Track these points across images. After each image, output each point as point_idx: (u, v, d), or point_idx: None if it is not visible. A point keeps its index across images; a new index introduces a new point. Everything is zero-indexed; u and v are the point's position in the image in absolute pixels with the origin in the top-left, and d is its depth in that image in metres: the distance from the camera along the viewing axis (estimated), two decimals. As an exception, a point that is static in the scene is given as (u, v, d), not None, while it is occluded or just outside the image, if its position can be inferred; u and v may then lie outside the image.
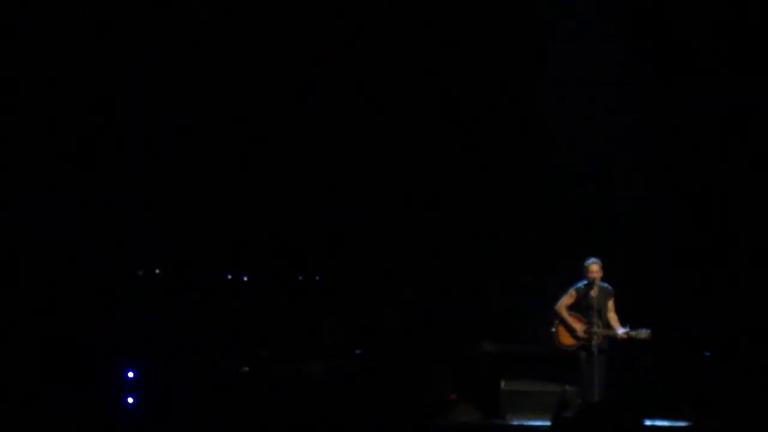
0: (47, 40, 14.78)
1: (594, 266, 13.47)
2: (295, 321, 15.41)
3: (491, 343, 14.88)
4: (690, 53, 15.23)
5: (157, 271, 15.55)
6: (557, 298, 13.66)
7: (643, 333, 13.28)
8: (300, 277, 15.96)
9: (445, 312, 15.43)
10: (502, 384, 14.39)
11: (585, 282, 13.54)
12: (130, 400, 13.77)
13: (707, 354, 14.95)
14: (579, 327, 13.47)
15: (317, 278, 16.00)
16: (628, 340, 13.35)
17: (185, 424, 12.28)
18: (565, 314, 13.55)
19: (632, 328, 13.32)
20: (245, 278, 15.85)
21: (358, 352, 15.18)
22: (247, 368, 14.29)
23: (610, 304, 13.56)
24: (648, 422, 11.09)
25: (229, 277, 15.83)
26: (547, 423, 12.22)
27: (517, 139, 15.72)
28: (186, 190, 15.40)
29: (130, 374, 13.95)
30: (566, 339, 13.57)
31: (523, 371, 14.56)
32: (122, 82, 15.04)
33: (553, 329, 13.64)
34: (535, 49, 15.50)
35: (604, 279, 13.52)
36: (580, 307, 13.54)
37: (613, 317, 13.52)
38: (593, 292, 13.45)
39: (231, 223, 15.50)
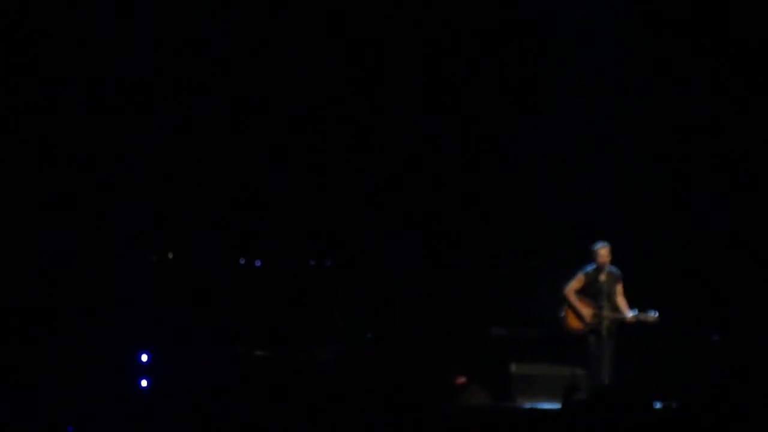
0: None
1: (603, 250, 13.57)
2: (306, 306, 15.46)
3: (501, 327, 14.97)
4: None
5: (170, 255, 15.62)
6: (566, 282, 13.75)
7: (651, 316, 13.43)
8: (311, 262, 16.04)
9: (455, 296, 15.47)
10: (513, 367, 14.49)
11: (594, 266, 13.63)
12: (144, 383, 13.83)
13: (716, 338, 14.98)
14: (587, 311, 13.57)
15: (328, 263, 16.07)
16: (637, 324, 13.48)
17: (198, 409, 12.30)
18: (573, 298, 13.65)
19: (640, 311, 13.45)
20: (258, 263, 15.91)
21: (368, 336, 15.27)
22: (259, 353, 14.34)
23: (619, 288, 13.66)
24: (657, 405, 11.14)
25: (243, 262, 15.89)
26: (557, 406, 12.28)
27: (525, 125, 15.73)
28: (202, 177, 15.40)
29: (144, 357, 13.97)
30: (575, 323, 13.68)
31: (532, 355, 14.64)
32: None
33: (562, 313, 13.75)
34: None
35: (612, 263, 13.61)
36: (588, 291, 13.64)
37: (621, 301, 13.62)
38: (602, 276, 13.55)
39: (243, 208, 15.53)
